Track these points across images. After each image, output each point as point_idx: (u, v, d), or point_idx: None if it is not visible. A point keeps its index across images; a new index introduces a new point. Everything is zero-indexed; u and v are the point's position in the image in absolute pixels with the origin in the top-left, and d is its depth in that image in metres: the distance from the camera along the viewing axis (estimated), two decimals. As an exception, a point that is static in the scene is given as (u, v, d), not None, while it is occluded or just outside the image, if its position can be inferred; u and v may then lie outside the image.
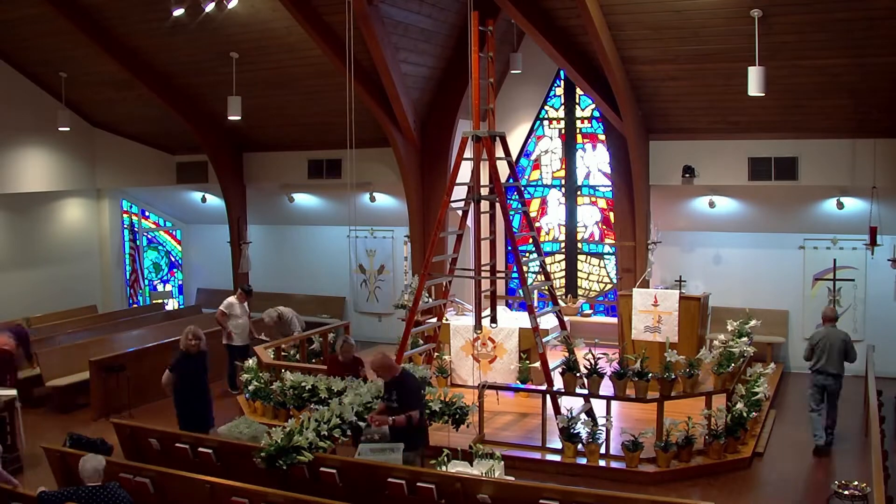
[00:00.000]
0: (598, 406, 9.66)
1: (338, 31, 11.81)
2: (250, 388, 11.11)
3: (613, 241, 14.40)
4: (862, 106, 11.46)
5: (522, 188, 12.34)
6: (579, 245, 15.33)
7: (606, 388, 9.44)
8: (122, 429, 8.70)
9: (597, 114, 14.62)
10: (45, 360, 11.98)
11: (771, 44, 10.49)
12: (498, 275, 12.28)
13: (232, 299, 12.62)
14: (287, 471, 7.25)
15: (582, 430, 9.25)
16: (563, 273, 15.40)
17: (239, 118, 13.49)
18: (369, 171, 14.85)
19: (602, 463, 9.11)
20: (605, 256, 15.15)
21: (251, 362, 11.56)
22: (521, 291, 10.33)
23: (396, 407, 7.83)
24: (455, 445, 8.18)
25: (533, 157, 15.56)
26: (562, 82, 15.09)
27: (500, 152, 10.04)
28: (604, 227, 15.15)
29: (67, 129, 15.30)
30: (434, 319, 11.05)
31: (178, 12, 11.79)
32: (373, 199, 15.86)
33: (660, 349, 10.76)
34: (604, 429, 9.21)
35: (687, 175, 13.00)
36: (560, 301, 11.82)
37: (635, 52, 11.56)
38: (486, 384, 10.05)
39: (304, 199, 16.88)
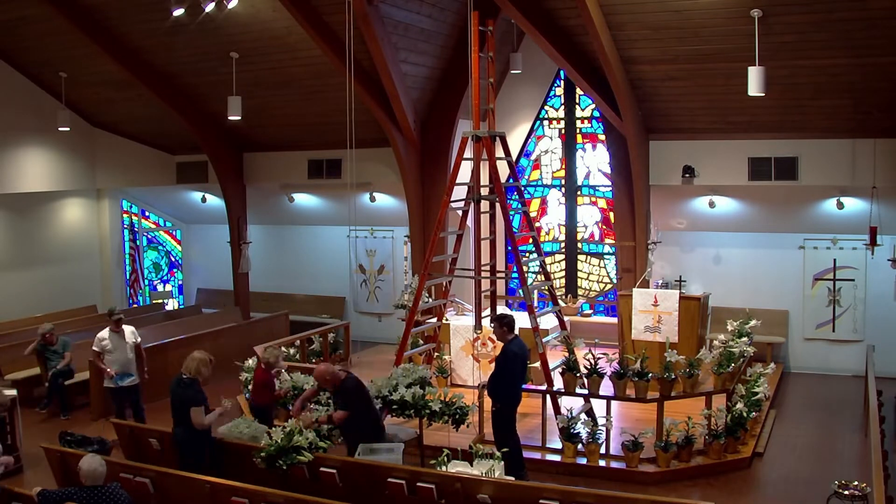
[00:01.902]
0: (598, 406, 9.66)
1: (338, 31, 11.80)
2: (250, 388, 11.11)
3: (613, 241, 14.40)
4: (862, 106, 11.46)
5: (522, 188, 12.34)
6: (579, 245, 15.33)
7: (606, 388, 9.43)
8: (122, 429, 8.70)
9: (597, 114, 14.61)
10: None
11: (771, 44, 10.49)
12: (498, 275, 12.29)
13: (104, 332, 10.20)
14: (287, 471, 7.25)
15: (582, 430, 9.24)
16: (563, 273, 15.40)
17: (239, 118, 13.49)
18: (369, 171, 14.85)
19: (602, 463, 9.11)
20: (605, 256, 15.15)
21: (251, 362, 11.56)
22: (521, 291, 10.33)
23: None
24: (455, 445, 8.19)
25: (533, 157, 15.56)
26: (562, 82, 15.09)
27: (500, 152, 10.04)
28: (604, 227, 15.15)
29: (67, 129, 15.30)
30: (434, 319, 11.05)
31: (178, 12, 11.78)
32: (373, 199, 15.86)
33: (660, 349, 10.76)
34: (604, 429, 9.21)
35: (687, 175, 13.00)
36: (560, 301, 11.82)
37: (635, 52, 11.55)
38: (486, 384, 10.04)
39: (304, 199, 16.88)
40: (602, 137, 14.72)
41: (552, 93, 15.30)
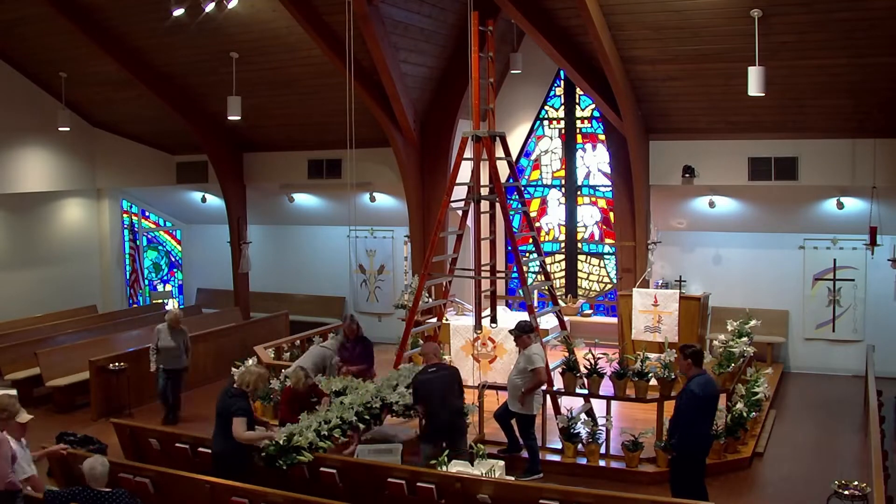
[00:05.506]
0: (598, 406, 9.66)
1: (338, 31, 11.81)
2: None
3: (613, 241, 14.40)
4: (862, 106, 11.46)
5: (522, 188, 12.33)
6: (579, 245, 15.34)
7: (606, 388, 9.44)
8: (122, 429, 8.70)
9: (597, 114, 14.61)
10: (45, 360, 11.97)
11: (771, 44, 10.50)
12: (498, 275, 12.28)
13: None
14: (287, 471, 7.25)
15: (582, 430, 9.25)
16: (563, 273, 15.41)
17: (239, 118, 13.49)
18: (369, 171, 14.85)
19: (602, 463, 9.11)
20: (605, 256, 15.15)
21: (251, 362, 11.55)
22: (521, 291, 10.33)
23: None
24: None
25: (533, 157, 15.56)
26: (562, 82, 15.10)
27: (500, 152, 10.04)
28: (604, 227, 15.15)
29: (67, 129, 15.30)
30: (434, 319, 11.04)
31: (178, 12, 11.77)
32: (373, 199, 15.86)
33: (660, 349, 10.75)
34: (604, 429, 9.21)
35: (687, 175, 13.01)
36: (560, 301, 11.82)
37: (635, 52, 11.55)
38: (486, 384, 10.05)
39: (304, 199, 16.88)
40: (602, 137, 14.72)
41: (552, 93, 15.30)
